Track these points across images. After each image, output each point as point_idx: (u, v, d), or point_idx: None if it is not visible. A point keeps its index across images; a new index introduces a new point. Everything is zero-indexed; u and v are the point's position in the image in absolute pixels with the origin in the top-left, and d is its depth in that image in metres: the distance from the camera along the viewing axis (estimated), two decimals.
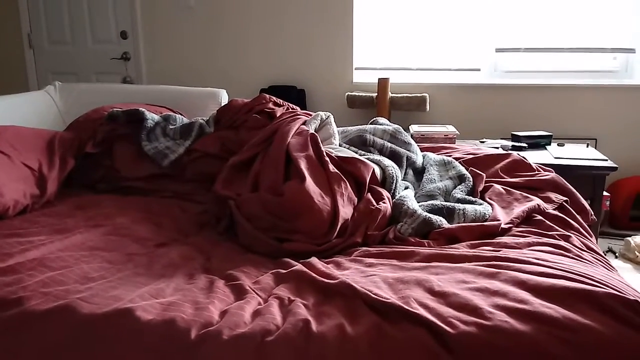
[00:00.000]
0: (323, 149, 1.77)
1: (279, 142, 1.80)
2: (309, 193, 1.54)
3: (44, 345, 1.10)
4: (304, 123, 2.01)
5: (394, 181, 1.82)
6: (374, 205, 1.64)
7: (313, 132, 1.90)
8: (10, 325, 1.13)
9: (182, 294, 1.22)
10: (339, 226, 1.54)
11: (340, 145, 2.05)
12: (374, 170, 1.77)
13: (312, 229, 1.53)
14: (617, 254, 3.07)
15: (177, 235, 1.65)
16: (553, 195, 1.84)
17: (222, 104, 2.75)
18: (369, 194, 1.71)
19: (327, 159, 1.71)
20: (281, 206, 1.57)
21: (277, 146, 1.78)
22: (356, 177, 1.73)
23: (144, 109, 2.19)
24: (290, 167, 1.70)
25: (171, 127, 2.15)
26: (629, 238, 3.05)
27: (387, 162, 1.89)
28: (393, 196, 1.77)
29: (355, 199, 1.67)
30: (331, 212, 1.56)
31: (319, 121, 2.07)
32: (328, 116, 2.12)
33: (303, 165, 1.65)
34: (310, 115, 2.11)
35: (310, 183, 1.58)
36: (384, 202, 1.67)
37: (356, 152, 1.97)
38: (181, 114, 2.40)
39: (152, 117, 2.16)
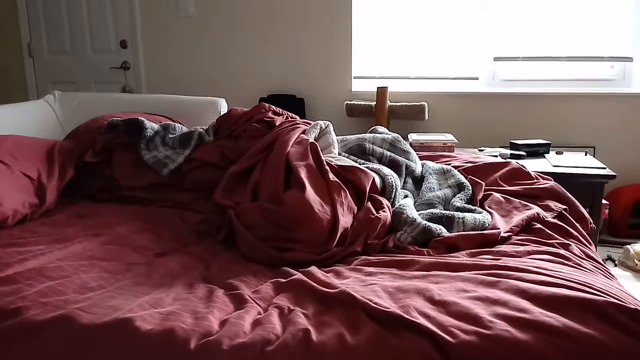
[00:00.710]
0: (323, 157, 1.77)
1: (278, 151, 1.80)
2: (309, 202, 1.55)
3: (42, 356, 1.09)
4: (304, 132, 2.01)
5: (394, 190, 1.82)
6: (373, 214, 1.64)
7: (313, 141, 1.90)
8: (8, 335, 1.12)
9: (182, 303, 1.22)
10: (338, 235, 1.54)
11: (339, 154, 2.05)
12: (373, 179, 1.77)
13: (312, 237, 1.53)
14: (616, 262, 3.06)
15: (176, 244, 1.65)
16: (552, 204, 1.84)
17: (222, 113, 2.75)
18: (368, 202, 1.71)
19: (327, 167, 1.72)
20: (281, 215, 1.57)
21: (277, 155, 1.79)
22: (356, 185, 1.73)
23: (143, 118, 2.19)
24: (290, 176, 1.70)
25: (170, 136, 2.15)
26: (628, 246, 3.05)
27: (386, 170, 1.89)
28: (393, 205, 1.77)
29: (355, 208, 1.67)
30: (331, 221, 1.56)
31: (319, 130, 2.08)
32: (327, 125, 2.12)
33: (303, 174, 1.65)
34: (310, 124, 2.11)
35: (310, 192, 1.58)
36: (383, 211, 1.67)
37: (355, 161, 1.97)
38: (180, 123, 2.41)
39: (151, 126, 2.16)
